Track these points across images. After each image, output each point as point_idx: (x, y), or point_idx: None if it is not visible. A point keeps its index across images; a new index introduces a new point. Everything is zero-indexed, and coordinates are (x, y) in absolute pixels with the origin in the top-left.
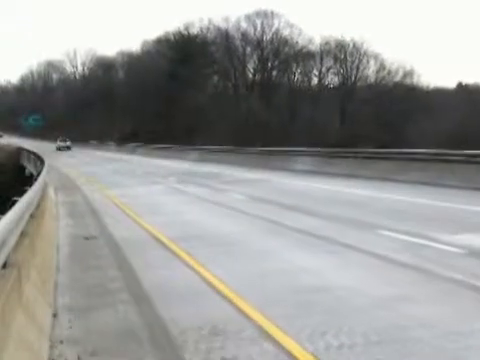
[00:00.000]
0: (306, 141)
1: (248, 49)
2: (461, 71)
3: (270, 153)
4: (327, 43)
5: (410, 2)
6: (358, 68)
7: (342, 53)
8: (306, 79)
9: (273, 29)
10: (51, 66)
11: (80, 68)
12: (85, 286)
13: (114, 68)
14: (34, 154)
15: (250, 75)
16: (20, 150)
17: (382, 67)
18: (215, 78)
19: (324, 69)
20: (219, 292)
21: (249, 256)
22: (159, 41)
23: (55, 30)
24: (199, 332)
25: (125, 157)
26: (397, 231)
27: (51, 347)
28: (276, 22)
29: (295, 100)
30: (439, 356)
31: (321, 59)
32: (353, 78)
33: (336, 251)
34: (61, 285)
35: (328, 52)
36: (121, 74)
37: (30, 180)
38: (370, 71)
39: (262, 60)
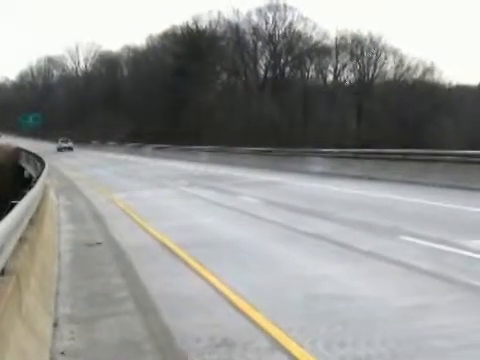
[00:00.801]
0: (321, 142)
1: (259, 44)
2: None
3: (284, 154)
4: (343, 38)
5: None
6: (376, 64)
7: (359, 48)
8: (321, 76)
9: (286, 23)
10: (51, 62)
11: (82, 64)
12: (88, 295)
13: (118, 64)
14: (34, 155)
15: (261, 72)
16: (19, 151)
17: (401, 63)
18: (224, 75)
19: (340, 65)
20: (230, 302)
21: (262, 263)
22: (166, 36)
23: (56, 24)
24: (209, 344)
25: (130, 158)
26: (419, 237)
27: (51, 359)
28: (289, 16)
29: (309, 98)
30: None
31: (336, 55)
32: (370, 75)
33: (354, 258)
34: (62, 294)
35: (344, 47)
36: (125, 71)
37: (29, 182)
38: (388, 67)
39: (274, 56)
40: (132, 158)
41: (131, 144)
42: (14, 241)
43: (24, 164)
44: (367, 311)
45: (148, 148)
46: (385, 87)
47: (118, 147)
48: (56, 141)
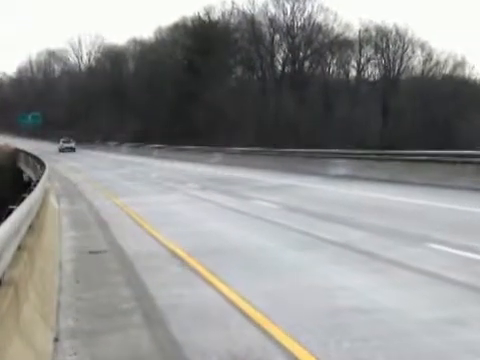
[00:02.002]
0: (343, 142)
1: (277, 37)
2: None
3: (303, 155)
4: (367, 30)
5: None
6: (402, 59)
7: (384, 41)
8: (343, 71)
9: (305, 14)
10: (52, 56)
11: (85, 58)
12: (91, 307)
13: (124, 58)
14: (33, 156)
15: (279, 67)
16: (17, 152)
17: (429, 57)
18: (239, 70)
19: (363, 60)
20: (245, 314)
21: (279, 273)
22: (175, 28)
23: (57, 15)
24: None
25: (136, 160)
26: (449, 245)
27: None
28: (308, 6)
29: (330, 95)
30: None
31: (360, 48)
32: (396, 70)
33: (379, 268)
34: (64, 306)
35: (368, 40)
36: (132, 65)
37: (29, 186)
38: (416, 62)
39: (292, 49)
40: (138, 159)
41: (137, 144)
42: (12, 249)
43: (23, 166)
44: (391, 325)
45: (156, 149)
46: (412, 83)
47: (123, 147)
48: (57, 141)
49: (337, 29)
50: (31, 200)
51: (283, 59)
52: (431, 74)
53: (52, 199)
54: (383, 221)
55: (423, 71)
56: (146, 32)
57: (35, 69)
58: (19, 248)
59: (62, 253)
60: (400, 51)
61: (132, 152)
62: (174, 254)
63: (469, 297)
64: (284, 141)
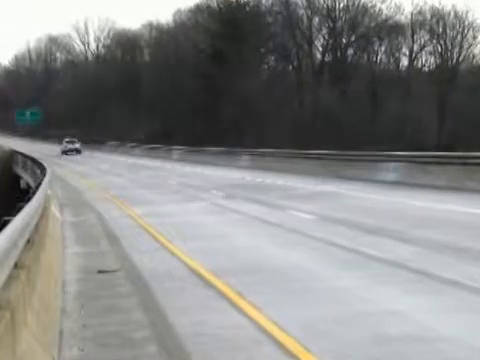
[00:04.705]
0: (393, 143)
1: (315, 21)
2: None
3: (345, 158)
4: (420, 12)
5: None
6: (461, 46)
7: (440, 26)
8: (393, 60)
9: None
10: (54, 43)
11: (93, 45)
12: (99, 335)
13: (138, 46)
14: (32, 159)
15: (318, 55)
16: (13, 154)
17: None
18: (271, 59)
19: (416, 47)
20: (279, 344)
21: (319, 296)
22: (197, 10)
23: None
24: None
25: (154, 164)
26: None
27: None
28: None
29: (378, 88)
30: None
31: (412, 34)
32: (455, 59)
33: (435, 289)
34: (68, 333)
35: (422, 24)
36: (147, 54)
37: (27, 194)
38: (477, 50)
39: (334, 35)
40: (154, 163)
41: (153, 146)
42: (7, 268)
43: (20, 171)
44: (449, 356)
45: (175, 151)
46: (474, 74)
47: (137, 149)
48: (59, 142)
49: (386, 11)
50: (29, 210)
51: (323, 46)
52: None
53: (54, 209)
54: (439, 235)
55: None
56: (163, 15)
57: (34, 58)
58: (15, 266)
59: (66, 272)
60: (459, 37)
61: (148, 154)
62: (196, 273)
63: None
64: (324, 142)
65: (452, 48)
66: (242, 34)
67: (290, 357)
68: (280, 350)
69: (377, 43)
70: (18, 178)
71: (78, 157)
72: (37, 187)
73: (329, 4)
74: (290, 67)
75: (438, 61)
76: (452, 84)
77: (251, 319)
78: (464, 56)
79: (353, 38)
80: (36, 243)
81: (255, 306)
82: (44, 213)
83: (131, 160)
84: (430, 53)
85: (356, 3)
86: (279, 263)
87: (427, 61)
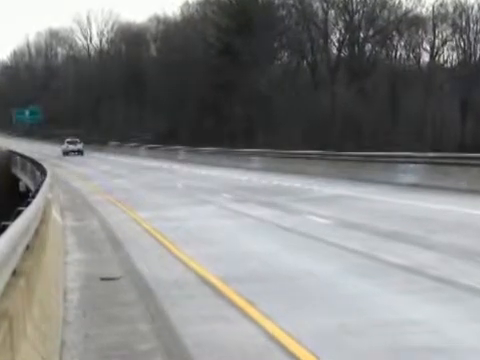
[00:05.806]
0: (413, 143)
1: (331, 14)
2: None
3: (363, 160)
4: (442, 5)
5: None
6: None
7: (463, 19)
8: (413, 56)
9: None
10: (55, 37)
11: (95, 40)
12: (103, 346)
13: (143, 40)
14: (32, 161)
15: (334, 51)
16: (12, 155)
17: None
18: (285, 55)
19: (438, 42)
20: (290, 354)
21: (334, 304)
22: (207, 3)
23: None
24: None
25: (159, 165)
26: None
27: None
28: None
29: (397, 85)
30: None
31: (434, 28)
32: (478, 54)
33: (458, 297)
34: (69, 344)
35: (443, 18)
36: (153, 49)
37: (26, 197)
38: None
39: (351, 29)
40: (161, 164)
41: (159, 146)
42: (6, 275)
43: (19, 173)
44: None
45: (182, 151)
46: None
47: (142, 150)
48: (61, 142)
49: (406, 4)
50: (29, 214)
51: (339, 41)
52: None
53: (55, 213)
54: (462, 240)
55: None
56: (171, 8)
57: (34, 53)
58: (14, 274)
59: (67, 280)
60: None
61: (153, 155)
62: (205, 281)
63: None
64: (340, 142)
65: (476, 43)
66: (254, 28)
67: None
68: None
69: (396, 38)
70: (17, 180)
71: (80, 158)
72: (37, 190)
73: None
74: (304, 63)
75: (461, 57)
76: (475, 81)
77: (262, 328)
78: None
79: (371, 32)
80: (36, 249)
81: (266, 315)
82: (44, 217)
83: (136, 161)
84: (452, 48)
85: None
86: (292, 270)
87: (449, 56)
